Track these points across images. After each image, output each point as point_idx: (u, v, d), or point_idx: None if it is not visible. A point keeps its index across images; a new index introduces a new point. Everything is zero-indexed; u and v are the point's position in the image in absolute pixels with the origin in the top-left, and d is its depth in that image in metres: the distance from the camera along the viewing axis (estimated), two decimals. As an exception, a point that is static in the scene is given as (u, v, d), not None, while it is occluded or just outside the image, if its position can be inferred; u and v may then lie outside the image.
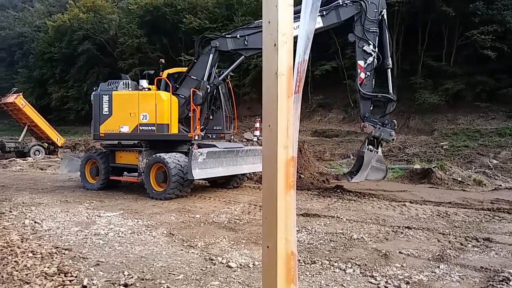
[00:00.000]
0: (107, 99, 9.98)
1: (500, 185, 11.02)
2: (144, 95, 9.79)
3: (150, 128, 9.62)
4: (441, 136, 20.28)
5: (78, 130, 38.62)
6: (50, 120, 26.96)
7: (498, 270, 4.33)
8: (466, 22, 21.91)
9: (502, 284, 3.90)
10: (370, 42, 9.03)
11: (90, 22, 41.69)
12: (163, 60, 11.22)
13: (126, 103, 9.92)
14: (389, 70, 9.36)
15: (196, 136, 9.57)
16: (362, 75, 9.16)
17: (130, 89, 10.19)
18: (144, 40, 36.91)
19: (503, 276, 4.10)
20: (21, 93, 21.74)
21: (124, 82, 10.28)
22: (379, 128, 9.01)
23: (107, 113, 9.99)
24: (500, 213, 7.32)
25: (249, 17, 30.13)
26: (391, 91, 9.38)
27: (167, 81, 10.04)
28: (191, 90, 9.61)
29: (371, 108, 9.37)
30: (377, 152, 9.11)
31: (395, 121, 9.49)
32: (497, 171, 13.27)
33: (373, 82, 9.21)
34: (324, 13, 9.04)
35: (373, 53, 9.06)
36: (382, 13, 9.12)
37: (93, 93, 10.41)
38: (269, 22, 2.04)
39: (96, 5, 43.26)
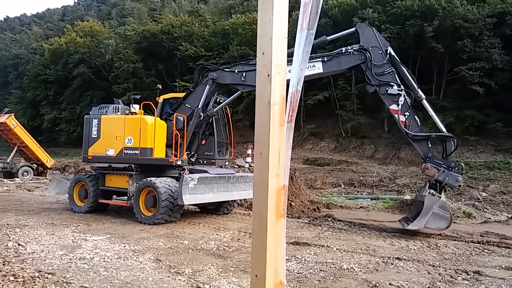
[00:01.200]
0: (96, 122, 10.17)
1: (490, 218, 11.07)
2: (130, 119, 9.88)
3: (134, 151, 9.64)
4: (431, 168, 20.46)
5: (68, 152, 38.32)
6: (41, 141, 26.79)
7: (487, 304, 4.30)
8: (455, 58, 22.62)
9: (491, 319, 3.87)
10: (392, 83, 8.39)
11: (86, 46, 42.18)
12: (160, 86, 11.40)
13: (113, 127, 10.03)
14: (425, 101, 8.55)
15: (179, 161, 9.53)
16: (402, 118, 8.40)
17: (119, 113, 10.27)
18: (139, 65, 37.37)
19: (493, 310, 4.07)
20: (12, 114, 21.66)
21: (114, 107, 10.39)
22: (444, 171, 7.95)
23: (96, 136, 10.16)
24: (490, 246, 7.32)
25: (244, 46, 30.78)
26: (442, 127, 8.40)
27: (152, 105, 10.17)
28: (175, 116, 9.74)
29: (430, 146, 8.36)
30: (440, 198, 7.93)
31: (462, 164, 8.57)
32: (487, 204, 13.37)
33: (417, 120, 8.47)
34: (326, 59, 8.74)
35: (400, 92, 8.36)
36: (388, 51, 8.57)
37: (85, 116, 10.58)
38: (263, 53, 2.11)
39: (93, 30, 43.92)
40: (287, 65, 2.18)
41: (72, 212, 10.48)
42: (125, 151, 9.72)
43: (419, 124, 8.49)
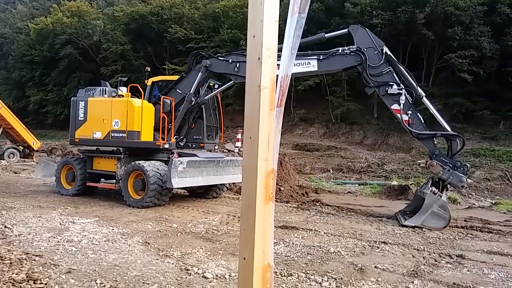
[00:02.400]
0: (83, 105, 10.04)
1: (474, 204, 11.32)
2: (117, 102, 9.76)
3: (121, 134, 9.56)
4: (419, 154, 20.71)
5: (55, 134, 37.81)
6: (27, 123, 26.33)
7: (469, 286, 4.43)
8: (445, 46, 22.70)
9: (472, 301, 3.99)
10: (392, 83, 8.32)
11: (73, 27, 41.16)
12: (148, 68, 11.27)
13: (100, 110, 9.91)
14: (425, 98, 8.54)
15: (167, 145, 9.47)
16: (405, 117, 8.35)
17: (106, 95, 10.13)
18: (128, 47, 36.69)
19: (474, 293, 4.19)
20: (-2, 95, 21.20)
21: (101, 89, 10.24)
22: (449, 170, 7.85)
23: (82, 119, 10.05)
24: (473, 231, 7.50)
25: (235, 30, 30.39)
26: (446, 126, 8.29)
27: (139, 88, 10.04)
28: (162, 99, 9.71)
29: (436, 143, 8.33)
30: (441, 197, 7.87)
31: (468, 165, 8.43)
32: (471, 190, 13.62)
33: (420, 118, 8.43)
34: (321, 58, 8.63)
35: (401, 91, 8.30)
36: (384, 51, 8.45)
37: (72, 99, 10.42)
38: (254, 36, 2.08)
39: (80, 10, 42.83)
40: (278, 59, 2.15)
41: (59, 195, 10.41)
42: (112, 134, 9.63)
43: (423, 121, 8.44)
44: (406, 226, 7.67)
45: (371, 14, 23.75)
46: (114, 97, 9.94)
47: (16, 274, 4.28)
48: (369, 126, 25.89)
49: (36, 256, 5.05)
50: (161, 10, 34.93)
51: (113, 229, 6.80)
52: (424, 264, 5.31)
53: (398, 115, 8.39)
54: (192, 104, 9.92)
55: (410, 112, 8.33)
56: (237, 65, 9.23)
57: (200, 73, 9.72)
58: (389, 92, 8.34)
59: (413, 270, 5.01)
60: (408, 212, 8.35)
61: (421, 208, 7.76)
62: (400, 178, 15.81)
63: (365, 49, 8.42)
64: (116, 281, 4.32)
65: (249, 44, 2.12)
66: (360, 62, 8.43)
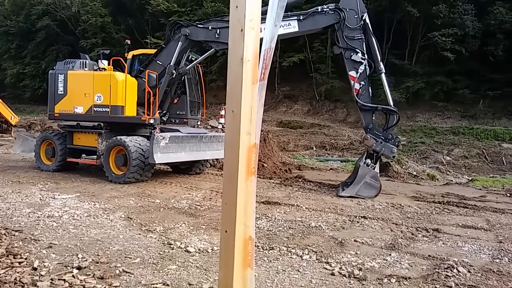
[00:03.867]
0: (62, 78, 9.73)
1: (451, 180, 11.66)
2: (99, 76, 9.50)
3: (104, 109, 9.37)
4: (400, 132, 21.03)
5: (34, 109, 36.81)
6: (3, 97, 25.45)
7: (444, 258, 4.59)
8: (429, 23, 22.71)
9: (446, 271, 4.14)
10: (358, 50, 8.51)
11: (51, -3, 39.47)
12: (128, 41, 10.96)
13: (81, 83, 9.64)
14: (383, 75, 8.75)
15: (152, 120, 9.34)
16: (357, 86, 8.67)
17: (86, 69, 9.85)
18: (108, 19, 35.46)
19: (448, 264, 4.35)
20: (-29, 67, 20.39)
21: (82, 62, 9.94)
22: (381, 142, 8.46)
23: (62, 92, 9.76)
24: (449, 206, 7.74)
25: (218, 3, 29.67)
26: (391, 102, 8.78)
27: (122, 61, 9.82)
28: (147, 72, 9.46)
29: (373, 118, 8.87)
30: (374, 168, 8.47)
31: (399, 137, 8.76)
32: (450, 167, 14.01)
33: (370, 91, 8.79)
34: (301, 18, 8.67)
35: (363, 61, 8.54)
36: (364, 18, 8.55)
37: (50, 72, 10.08)
38: (236, 7, 2.03)
39: (57, -21, 40.99)
40: (261, 22, 2.11)
41: (39, 170, 10.24)
42: (94, 108, 9.42)
43: (371, 96, 8.79)
44: (342, 196, 8.21)
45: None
46: (96, 70, 9.67)
47: (-5, 249, 4.23)
48: (352, 103, 25.75)
49: (16, 231, 5.00)
50: (142, -20, 33.72)
51: (94, 205, 6.75)
52: (401, 238, 5.47)
53: (352, 82, 8.67)
54: (174, 76, 9.71)
55: (363, 83, 8.64)
56: (218, 32, 9.09)
57: (179, 42, 9.47)
58: (352, 57, 8.56)
59: (391, 243, 5.16)
60: (348, 183, 8.74)
61: (355, 179, 8.38)
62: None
63: (347, 10, 8.52)
64: (98, 255, 4.32)
65: (231, 15, 2.07)
66: (338, 21, 8.54)
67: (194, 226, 5.70)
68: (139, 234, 5.22)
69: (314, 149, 18.71)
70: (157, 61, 9.75)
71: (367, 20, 8.59)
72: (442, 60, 22.35)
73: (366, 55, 8.54)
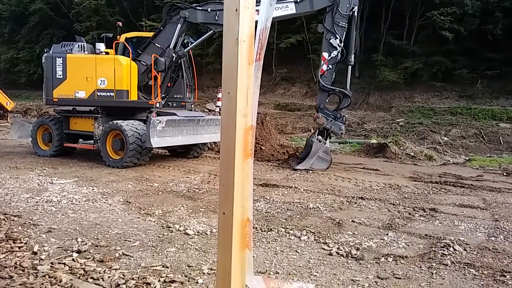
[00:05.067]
0: (61, 62, 9.45)
1: (449, 161, 11.69)
2: (102, 59, 9.36)
3: (108, 94, 9.26)
4: (398, 113, 21.00)
5: (29, 94, 36.48)
6: (-2, 82, 25.23)
7: (440, 237, 4.64)
8: (427, 2, 22.39)
9: (443, 250, 4.19)
10: (337, 36, 9.03)
11: (43, -21, 38.65)
12: (120, 23, 10.78)
13: (82, 67, 9.44)
14: (350, 67, 9.52)
15: (157, 104, 9.34)
16: (324, 67, 9.27)
17: (86, 52, 9.69)
18: (102, 2, 34.76)
19: (444, 242, 4.40)
20: (-36, 52, 20.11)
21: (80, 45, 9.76)
22: (331, 120, 9.26)
23: (61, 77, 9.48)
24: (446, 186, 7.79)
25: (215, -16, 29.13)
26: (348, 87, 9.49)
27: (126, 45, 9.66)
28: (153, 56, 9.31)
29: (327, 101, 9.60)
30: (325, 143, 9.33)
31: (346, 116, 9.86)
32: (447, 148, 14.04)
33: (334, 76, 9.37)
34: (298, 0, 8.99)
35: (338, 47, 9.10)
36: (353, 10, 9.06)
37: (45, 55, 9.78)
38: (230, -15, 1.97)
39: (49, -40, 40.07)
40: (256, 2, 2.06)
41: (36, 156, 10.22)
42: (98, 93, 9.29)
43: (333, 80, 9.43)
44: (297, 170, 9.01)
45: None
46: (98, 54, 9.51)
47: (-5, 234, 4.25)
48: (350, 85, 25.88)
49: (15, 216, 5.02)
50: (136, -39, 33.03)
51: (93, 189, 6.76)
52: (398, 218, 5.52)
53: (322, 62, 9.34)
54: (173, 59, 9.62)
55: (330, 66, 9.28)
56: (217, 14, 9.11)
57: (178, 24, 9.37)
58: (330, 41, 9.15)
59: (388, 223, 5.21)
60: (300, 158, 9.53)
61: (309, 154, 9.18)
62: (379, 137, 16.10)
63: None
64: (98, 239, 4.34)
65: (225, -7, 2.02)
66: (332, 3, 9.03)
67: (193, 209, 5.73)
68: (138, 217, 5.24)
69: (312, 131, 18.67)
70: (156, 44, 9.61)
71: (355, 13, 9.16)
72: (440, 39, 22.13)
73: (342, 44, 9.15)
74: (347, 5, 9.00)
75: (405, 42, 24.19)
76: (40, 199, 5.93)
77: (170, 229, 4.78)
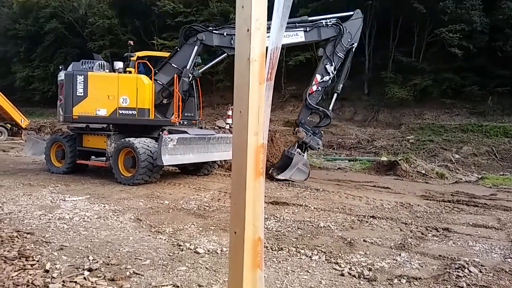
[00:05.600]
0: (82, 79, 9.38)
1: (461, 179, 11.54)
2: (125, 78, 9.52)
3: (130, 112, 9.42)
4: (408, 130, 20.89)
5: (43, 112, 37.16)
6: (14, 100, 25.68)
7: (454, 258, 4.55)
8: (436, 20, 22.48)
9: (458, 272, 4.10)
10: (333, 64, 10.07)
11: (58, 0, 39.83)
12: (131, 42, 11.04)
13: (104, 85, 9.49)
14: (336, 94, 10.46)
15: (178, 122, 9.66)
16: (314, 88, 10.18)
17: (107, 70, 9.84)
18: (115, 21, 35.68)
19: (459, 264, 4.31)
20: (-19, 71, 20.66)
21: (100, 63, 9.91)
22: (310, 135, 10.09)
23: (82, 94, 9.39)
24: (459, 204, 7.67)
25: (224, 3, 29.71)
26: (331, 109, 10.47)
27: (148, 64, 9.94)
28: (175, 77, 9.62)
29: (308, 118, 10.51)
30: (304, 156, 10.10)
31: (322, 132, 10.83)
32: (459, 165, 13.87)
33: (320, 97, 10.33)
34: (308, 29, 9.90)
35: (331, 74, 10.13)
36: (353, 45, 10.23)
37: (64, 72, 9.70)
38: (242, 7, 2.02)
39: (65, -18, 41.36)
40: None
41: (49, 172, 10.34)
42: (119, 111, 9.40)
43: (318, 100, 10.32)
44: (278, 180, 9.66)
45: (363, -12, 23.32)
46: (120, 72, 9.69)
47: (8, 251, 4.28)
48: (359, 102, 25.88)
49: (28, 233, 5.05)
50: (148, -18, 33.87)
51: (104, 207, 6.80)
52: (411, 237, 5.43)
53: (313, 83, 10.19)
54: (190, 79, 9.91)
55: (320, 88, 10.22)
56: (232, 38, 9.54)
57: (195, 47, 9.72)
58: (326, 66, 10.16)
59: (400, 243, 5.12)
60: (279, 168, 10.13)
61: (290, 165, 9.76)
62: (389, 154, 15.99)
63: (347, 30, 10.11)
64: (109, 257, 4.35)
65: (237, 15, 2.06)
66: (338, 34, 10.07)
67: (203, 227, 5.72)
68: (149, 235, 5.25)
69: (321, 148, 18.64)
70: (173, 64, 9.88)
71: (353, 49, 10.31)
72: (449, 56, 22.12)
73: (335, 72, 10.18)
74: (349, 40, 10.12)
75: (414, 59, 24.23)
76: (52, 216, 5.98)
77: (181, 247, 4.76)
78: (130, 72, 9.75)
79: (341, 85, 10.39)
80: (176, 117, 9.64)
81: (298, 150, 10.01)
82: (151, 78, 9.80)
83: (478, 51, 21.65)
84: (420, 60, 24.02)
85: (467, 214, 6.97)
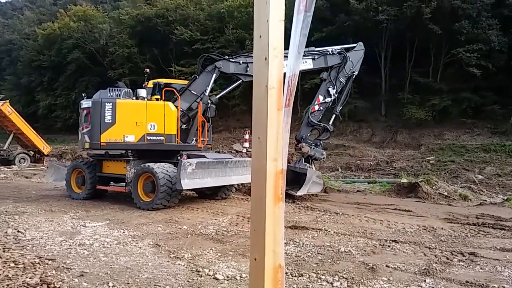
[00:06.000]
0: (111, 107, 9.47)
1: (485, 200, 11.18)
2: (153, 105, 9.77)
3: (158, 138, 9.63)
4: (428, 151, 20.54)
5: (65, 138, 38.10)
6: (36, 128, 26.52)
7: (483, 284, 4.37)
8: (452, 40, 22.42)
9: (486, 299, 3.94)
10: (335, 88, 11.06)
11: (80, 31, 41.49)
12: (147, 70, 11.43)
13: (132, 112, 9.63)
14: (334, 116, 11.48)
15: (202, 147, 10.11)
16: (316, 107, 11.17)
17: (134, 98, 10.08)
18: (134, 50, 36.84)
19: (488, 290, 4.14)
20: (7, 100, 21.47)
21: (127, 91, 10.17)
22: (314, 148, 10.97)
23: (110, 121, 9.46)
24: (485, 228, 7.41)
25: (240, 30, 30.36)
26: (331, 123, 11.41)
27: (175, 92, 10.33)
28: (200, 104, 10.10)
29: (309, 134, 11.34)
30: (313, 169, 10.81)
31: (322, 143, 11.59)
32: (482, 187, 13.47)
33: (320, 116, 11.31)
34: (315, 57, 10.80)
35: (333, 96, 11.11)
36: (353, 73, 11.30)
37: (92, 100, 9.77)
38: (260, 36, 2.07)
39: (87, 15, 43.10)
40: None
41: (70, 198, 10.51)
42: (147, 137, 9.58)
43: (319, 119, 11.27)
44: (300, 196, 10.18)
45: (377, 10, 23.52)
46: (149, 100, 9.94)
47: (30, 278, 4.33)
48: (377, 123, 25.70)
49: (49, 260, 5.10)
50: (166, 12, 35.00)
51: (124, 232, 6.84)
52: (436, 263, 5.26)
53: (316, 103, 11.17)
54: (208, 105, 10.32)
55: (322, 108, 11.24)
56: (248, 65, 10.18)
57: (214, 74, 10.16)
58: (329, 89, 11.14)
59: (425, 269, 4.96)
60: (295, 187, 10.35)
61: (305, 180, 10.14)
62: (409, 176, 15.67)
63: (350, 59, 11.20)
64: (128, 283, 4.34)
65: (255, 44, 2.11)
66: (341, 61, 11.15)
67: (222, 252, 5.67)
68: (168, 261, 5.23)
69: (340, 170, 18.46)
70: (192, 91, 10.28)
71: (353, 77, 11.44)
72: (468, 76, 21.91)
73: (335, 95, 11.15)
74: (350, 68, 11.20)
75: (431, 80, 24.08)
76: (73, 242, 6.04)
77: (200, 273, 4.73)
78: (157, 99, 10.00)
79: (340, 108, 11.46)
80: (200, 142, 10.10)
81: (307, 164, 10.70)
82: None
83: (497, 70, 21.40)
84: (437, 80, 23.85)
85: (494, 237, 6.72)
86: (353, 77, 11.42)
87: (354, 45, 11.71)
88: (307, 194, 11.22)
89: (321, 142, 11.33)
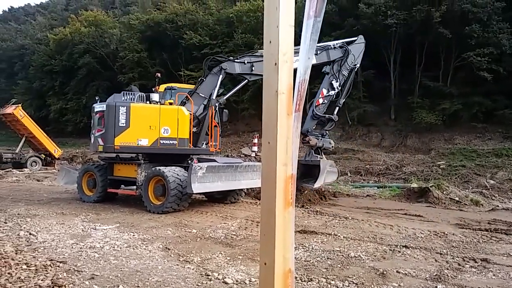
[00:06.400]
0: (125, 110, 9.47)
1: (497, 206, 11.02)
2: (166, 110, 9.81)
3: (171, 142, 9.67)
4: (438, 155, 20.34)
5: (75, 142, 38.54)
6: (48, 131, 26.92)
7: (495, 291, 4.32)
8: (462, 44, 22.23)
9: (499, 306, 3.88)
10: (338, 81, 11.28)
11: (91, 36, 42.07)
12: (159, 74, 11.55)
13: (146, 116, 9.67)
14: (338, 108, 11.58)
15: (214, 151, 10.20)
16: (320, 100, 11.32)
17: (148, 102, 10.16)
18: (144, 54, 37.21)
19: (500, 297, 4.08)
20: (20, 104, 21.81)
21: (140, 95, 10.24)
22: (321, 139, 11.19)
23: (124, 125, 9.46)
24: (497, 233, 7.31)
25: (248, 34, 30.48)
26: (335, 114, 11.50)
27: (188, 97, 10.38)
28: (211, 109, 10.18)
29: (314, 127, 11.47)
30: (324, 159, 11.07)
31: (327, 132, 11.74)
32: (494, 192, 13.30)
33: (324, 109, 11.43)
34: (318, 52, 10.89)
35: (336, 89, 11.31)
36: (356, 66, 11.55)
37: (107, 104, 9.76)
38: (270, 42, 2.09)
39: (97, 20, 43.71)
40: (294, 54, 2.16)
41: (81, 201, 10.61)
42: (161, 141, 9.62)
43: (323, 112, 11.40)
44: (318, 188, 10.60)
45: (386, 14, 23.45)
46: (162, 104, 10.01)
47: (42, 280, 4.38)
48: (386, 127, 25.54)
49: (60, 262, 5.16)
50: (176, 17, 35.33)
51: (134, 235, 6.89)
52: (447, 269, 5.20)
53: (320, 96, 11.29)
54: (216, 107, 10.37)
55: (326, 101, 11.38)
56: (253, 65, 10.28)
57: (220, 76, 10.21)
58: (332, 82, 11.32)
59: (436, 275, 4.91)
60: (310, 179, 10.64)
61: (320, 171, 10.33)
62: (419, 180, 15.53)
63: (351, 52, 11.39)
64: (138, 286, 4.37)
65: (265, 49, 2.13)
66: (343, 55, 11.33)
67: (231, 256, 5.68)
68: (177, 264, 5.25)
69: (349, 175, 18.36)
70: (200, 94, 10.30)
71: (355, 69, 11.65)
72: (478, 80, 21.68)
73: (339, 88, 11.35)
74: (352, 61, 11.42)
75: (441, 84, 23.87)
76: (84, 245, 6.10)
77: (209, 277, 4.74)
78: (170, 103, 10.07)
79: (343, 100, 11.63)
80: (212, 146, 10.21)
81: (317, 156, 11.00)
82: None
83: (508, 74, 21.15)
84: (447, 84, 23.65)
85: (506, 243, 6.63)
86: (355, 70, 11.67)
87: (355, 38, 11.91)
88: (315, 198, 11.20)
89: (327, 132, 11.54)
